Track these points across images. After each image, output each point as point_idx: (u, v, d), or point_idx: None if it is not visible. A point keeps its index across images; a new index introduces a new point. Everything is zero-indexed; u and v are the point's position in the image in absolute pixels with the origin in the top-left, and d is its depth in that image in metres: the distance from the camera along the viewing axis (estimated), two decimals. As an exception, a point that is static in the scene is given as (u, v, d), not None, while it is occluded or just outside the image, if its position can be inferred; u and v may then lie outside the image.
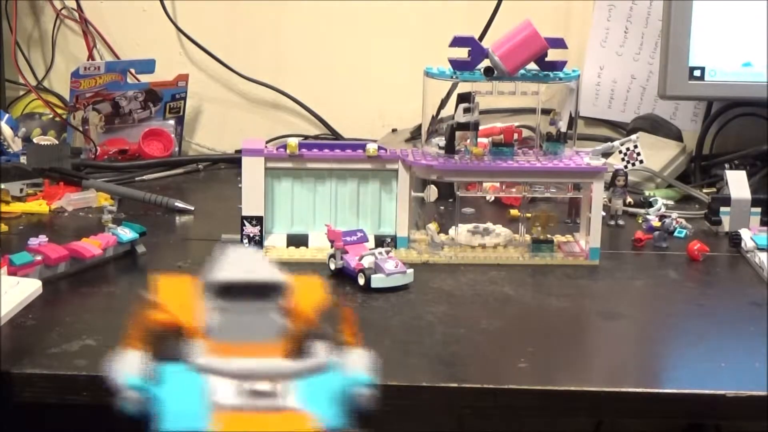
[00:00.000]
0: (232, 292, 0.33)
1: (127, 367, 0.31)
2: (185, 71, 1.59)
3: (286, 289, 0.34)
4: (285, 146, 1.05)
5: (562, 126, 1.07)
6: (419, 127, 1.19)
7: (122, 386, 0.31)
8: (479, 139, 1.07)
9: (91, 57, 1.61)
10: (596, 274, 1.05)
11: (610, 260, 1.08)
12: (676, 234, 1.18)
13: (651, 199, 1.30)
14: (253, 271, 0.34)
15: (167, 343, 0.33)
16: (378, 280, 0.95)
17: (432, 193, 1.07)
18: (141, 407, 0.31)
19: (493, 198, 1.27)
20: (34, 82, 1.62)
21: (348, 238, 1.00)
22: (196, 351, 0.32)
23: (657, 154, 1.41)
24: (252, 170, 1.05)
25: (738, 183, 1.20)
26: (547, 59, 1.03)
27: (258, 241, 1.04)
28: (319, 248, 1.05)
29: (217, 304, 0.33)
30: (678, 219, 1.20)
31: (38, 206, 1.23)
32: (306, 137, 1.60)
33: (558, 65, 1.04)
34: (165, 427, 0.30)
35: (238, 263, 0.34)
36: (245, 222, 1.04)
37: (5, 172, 1.26)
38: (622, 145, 1.25)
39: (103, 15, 1.63)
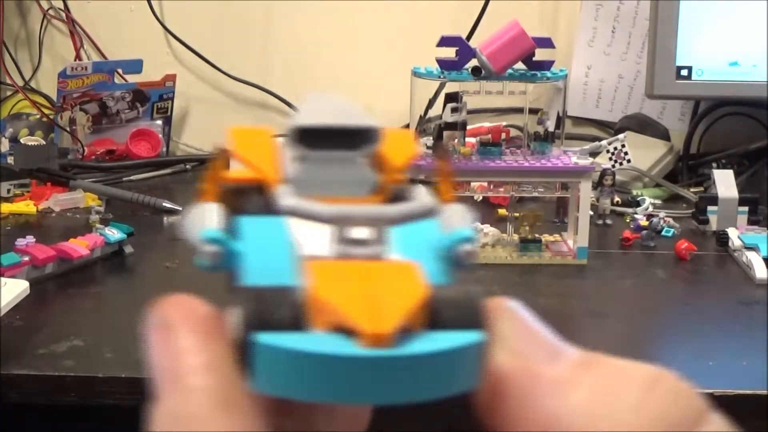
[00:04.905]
0: (316, 139, 0.29)
1: (203, 220, 0.27)
2: (173, 71, 1.59)
3: (378, 136, 0.29)
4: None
5: (550, 125, 1.07)
6: (407, 127, 1.19)
7: (198, 240, 0.26)
8: (467, 139, 1.07)
9: (78, 57, 1.61)
10: (584, 273, 1.05)
11: (598, 259, 1.09)
12: (663, 233, 1.18)
13: (638, 199, 1.31)
14: (340, 117, 0.29)
15: (245, 196, 0.29)
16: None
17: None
18: (219, 262, 0.27)
19: (480, 197, 1.27)
20: (21, 83, 1.61)
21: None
22: (281, 197, 0.27)
23: (644, 154, 1.42)
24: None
25: (725, 182, 1.20)
26: (534, 59, 1.03)
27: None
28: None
29: (300, 154, 0.29)
30: (665, 218, 1.20)
31: (25, 207, 1.23)
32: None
33: (545, 65, 1.04)
34: (250, 281, 0.26)
35: (322, 108, 0.30)
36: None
37: (-8, 173, 1.25)
38: (609, 144, 1.25)
39: (90, 15, 1.63)
